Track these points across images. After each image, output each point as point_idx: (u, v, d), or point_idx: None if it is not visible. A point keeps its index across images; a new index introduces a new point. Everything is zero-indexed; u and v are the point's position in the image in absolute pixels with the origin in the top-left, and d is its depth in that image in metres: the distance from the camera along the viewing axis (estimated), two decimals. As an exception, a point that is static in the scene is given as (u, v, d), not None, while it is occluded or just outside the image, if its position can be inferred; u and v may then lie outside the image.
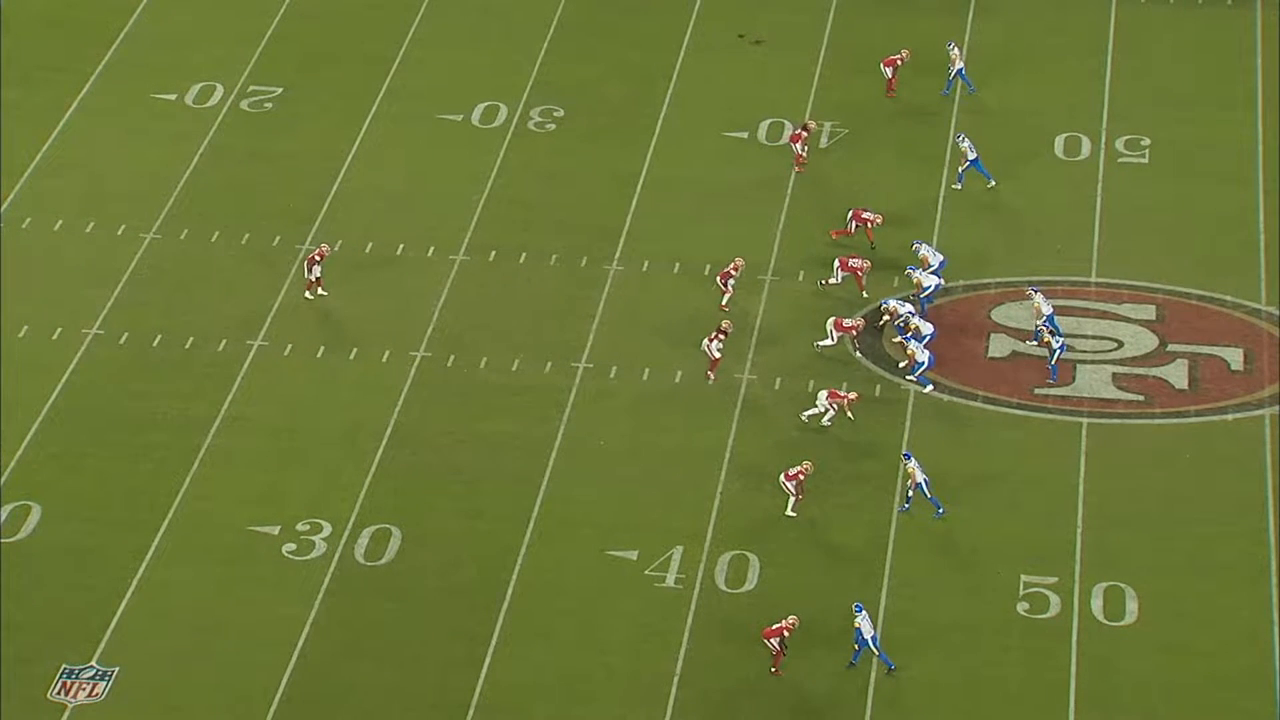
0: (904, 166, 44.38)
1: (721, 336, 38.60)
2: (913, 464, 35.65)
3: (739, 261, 40.58)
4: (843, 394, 37.72)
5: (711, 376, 38.75)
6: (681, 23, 49.47)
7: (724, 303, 40.33)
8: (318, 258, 40.86)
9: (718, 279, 40.58)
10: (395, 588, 35.13)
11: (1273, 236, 41.91)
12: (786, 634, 33.07)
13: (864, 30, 48.76)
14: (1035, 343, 39.13)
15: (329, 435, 38.16)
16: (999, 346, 39.76)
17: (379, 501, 36.73)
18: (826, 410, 37.60)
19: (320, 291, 40.93)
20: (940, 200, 43.35)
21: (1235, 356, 39.12)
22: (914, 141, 45.08)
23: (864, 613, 33.26)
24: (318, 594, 34.92)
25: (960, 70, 45.89)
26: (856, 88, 46.46)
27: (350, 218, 43.51)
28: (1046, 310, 39.08)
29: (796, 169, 43.96)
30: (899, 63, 45.75)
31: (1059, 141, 44.99)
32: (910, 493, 35.82)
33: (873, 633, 33.16)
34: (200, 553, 35.77)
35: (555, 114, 46.60)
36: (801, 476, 35.72)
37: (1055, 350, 38.46)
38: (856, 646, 33.27)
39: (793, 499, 35.72)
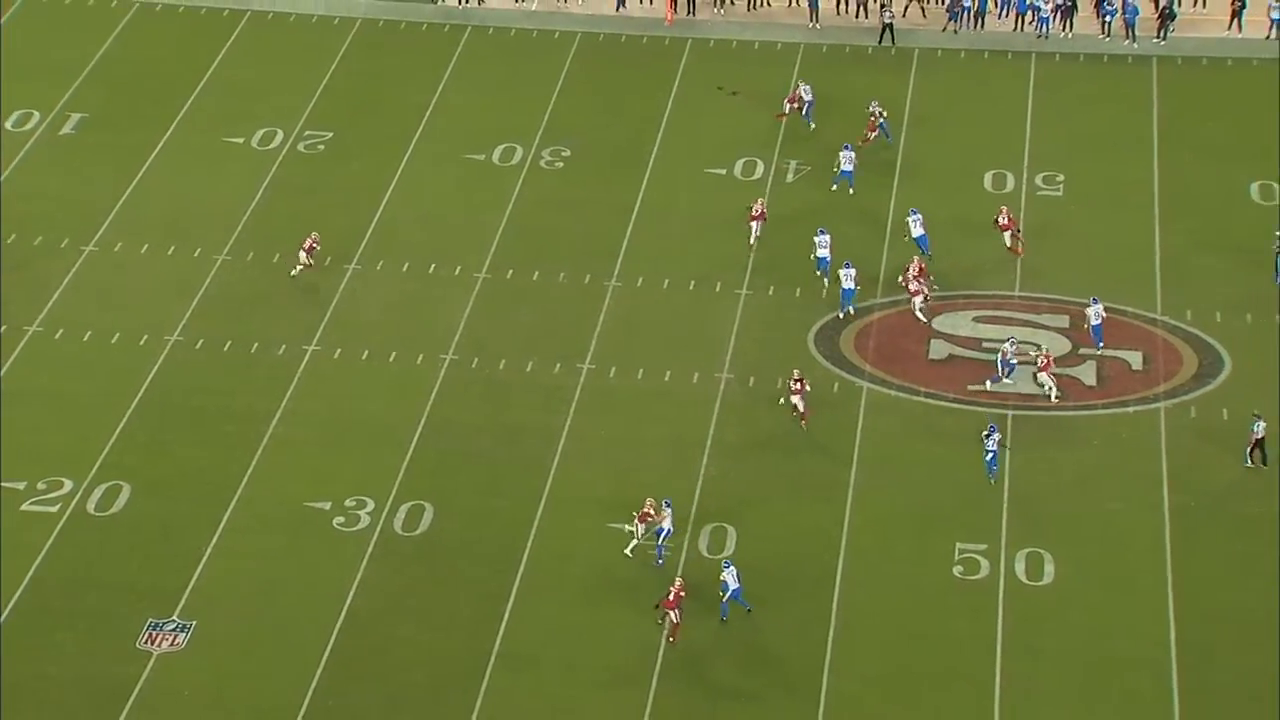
0: (862, 196, 44.22)
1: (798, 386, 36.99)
2: (730, 572, 33.30)
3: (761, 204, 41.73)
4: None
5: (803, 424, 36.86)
6: (669, 76, 49.37)
7: (751, 241, 41.19)
8: (313, 246, 41.10)
9: (749, 221, 41.49)
10: (428, 555, 35.01)
11: (1166, 257, 41.76)
12: (681, 598, 32.44)
13: (824, 83, 48.63)
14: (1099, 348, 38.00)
15: (372, 426, 38.03)
16: (938, 350, 39.58)
17: (414, 482, 36.61)
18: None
19: (297, 269, 41.11)
20: (889, 223, 43.19)
21: (1135, 358, 38.92)
22: (865, 177, 44.89)
23: (731, 568, 32.94)
24: (363, 560, 34.80)
25: (882, 124, 45.27)
26: (818, 132, 46.19)
27: (390, 241, 43.37)
28: (1096, 321, 38.27)
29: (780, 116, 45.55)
30: (794, 105, 45.89)
31: (988, 177, 44.84)
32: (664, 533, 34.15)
33: (736, 586, 32.77)
34: (264, 525, 35.64)
35: (563, 154, 46.48)
36: (650, 514, 34.34)
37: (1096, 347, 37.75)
38: (735, 594, 32.80)
39: (639, 530, 34.24)
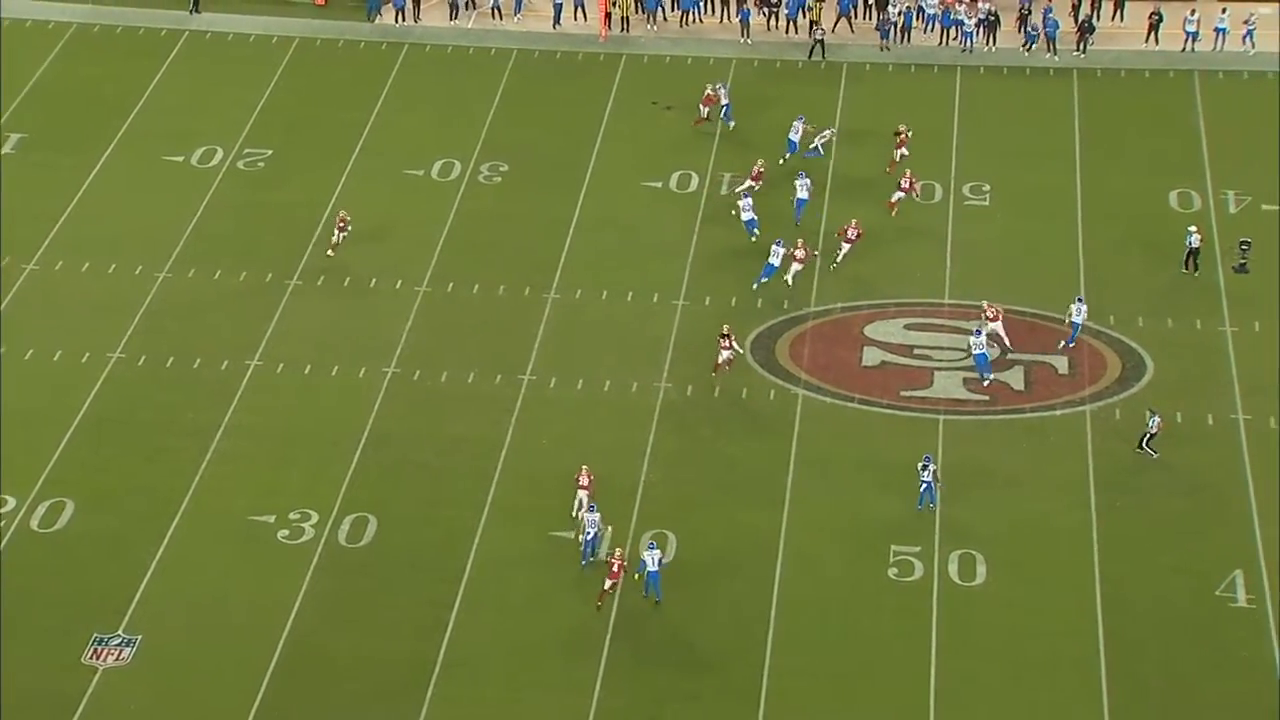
0: (791, 210, 44.57)
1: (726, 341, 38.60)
2: (651, 554, 34.00)
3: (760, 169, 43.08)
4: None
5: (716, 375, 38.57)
6: (605, 92, 49.58)
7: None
8: (341, 225, 42.11)
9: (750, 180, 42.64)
10: (373, 566, 34.94)
11: (1089, 264, 42.35)
12: (625, 568, 33.01)
13: (756, 97, 49.00)
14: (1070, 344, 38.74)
15: (315, 439, 37.93)
16: (871, 357, 39.97)
17: (358, 493, 36.54)
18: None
19: (329, 253, 42.11)
20: (821, 236, 43.54)
21: (1061, 363, 39.44)
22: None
23: (654, 550, 33.33)
24: (307, 572, 34.69)
25: (799, 136, 45.73)
26: (751, 144, 46.42)
27: (330, 256, 43.28)
28: (1077, 319, 39.11)
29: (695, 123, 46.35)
30: (709, 108, 46.57)
31: (916, 188, 45.31)
32: (589, 538, 34.50)
33: (654, 569, 33.15)
34: (209, 539, 35.46)
35: (501, 169, 46.56)
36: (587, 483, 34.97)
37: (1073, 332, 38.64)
38: (639, 576, 33.29)
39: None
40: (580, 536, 34.68)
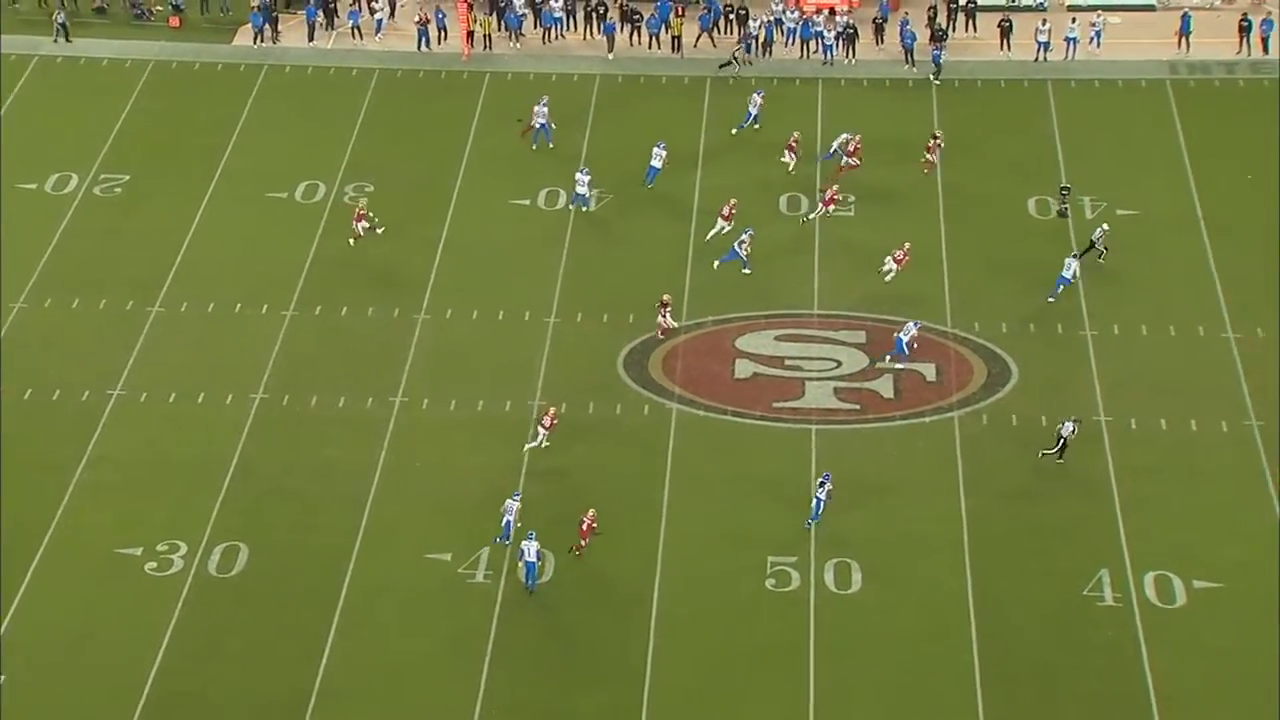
0: (662, 225, 44.81)
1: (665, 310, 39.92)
2: (515, 503, 35.02)
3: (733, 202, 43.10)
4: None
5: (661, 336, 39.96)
6: (469, 110, 49.42)
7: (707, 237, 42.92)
8: (360, 214, 42.69)
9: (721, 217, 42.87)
10: (244, 596, 34.37)
11: (953, 272, 43.00)
12: (594, 529, 34.13)
13: (619, 113, 49.19)
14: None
15: (182, 468, 37.23)
16: (743, 369, 40.25)
17: (228, 523, 35.93)
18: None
19: (377, 230, 42.67)
20: (690, 250, 43.81)
21: (929, 371, 40.05)
22: (669, 203, 45.53)
23: (534, 540, 33.70)
24: (177, 605, 34.01)
25: (754, 114, 46.57)
26: (619, 161, 46.53)
27: (194, 283, 42.57)
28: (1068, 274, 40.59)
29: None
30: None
31: (782, 200, 45.78)
32: (510, 524, 35.14)
33: (533, 560, 33.56)
34: (73, 575, 34.61)
35: (367, 189, 46.16)
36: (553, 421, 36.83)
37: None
38: (523, 566, 33.72)
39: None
40: (507, 515, 34.98)
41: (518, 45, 52.63)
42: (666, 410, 38.98)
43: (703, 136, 47.98)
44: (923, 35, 51.32)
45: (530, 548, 34.12)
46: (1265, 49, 50.22)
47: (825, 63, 51.54)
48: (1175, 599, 33.79)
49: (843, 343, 40.80)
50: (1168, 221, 43.80)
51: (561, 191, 45.98)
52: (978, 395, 39.16)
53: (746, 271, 42.25)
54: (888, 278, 41.96)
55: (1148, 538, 35.13)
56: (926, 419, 38.62)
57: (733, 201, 43.52)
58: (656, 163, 45.90)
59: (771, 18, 52.21)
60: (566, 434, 38.18)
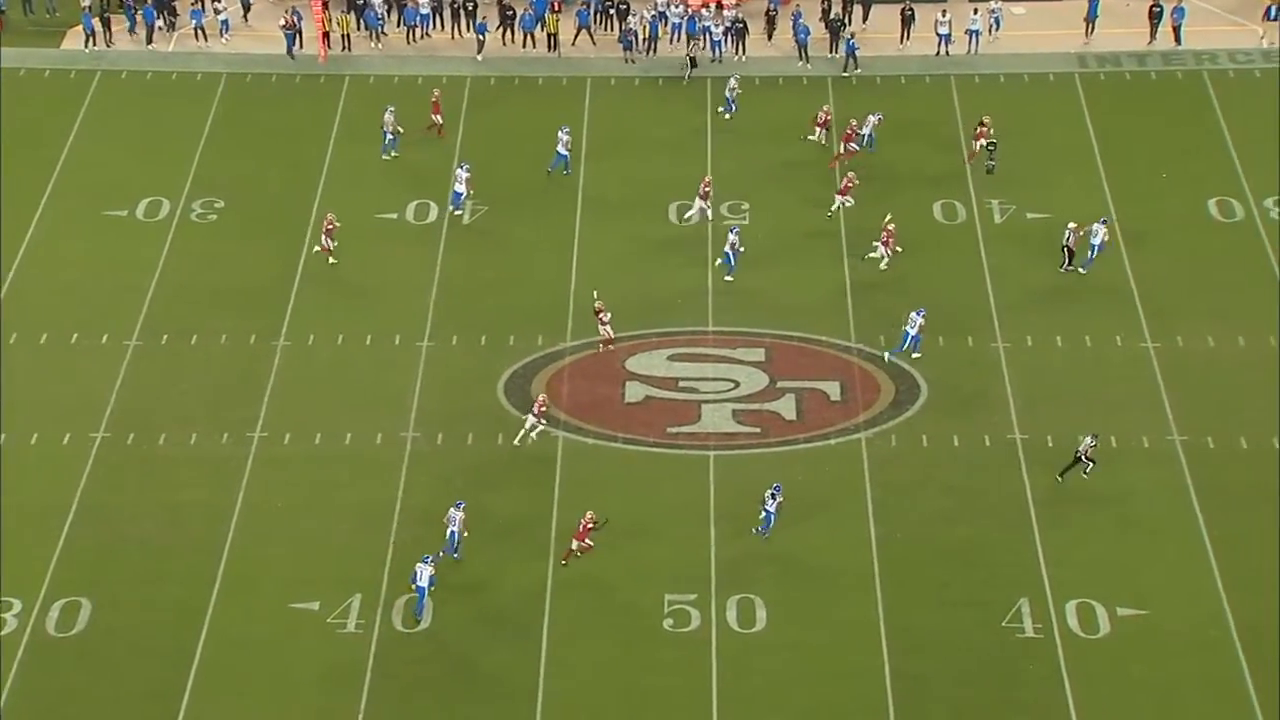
0: (543, 236, 44.87)
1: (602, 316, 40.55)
2: (458, 513, 35.61)
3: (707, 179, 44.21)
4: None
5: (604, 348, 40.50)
6: (329, 117, 49.14)
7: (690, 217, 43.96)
8: (329, 228, 42.78)
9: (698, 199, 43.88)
10: (88, 657, 33.78)
11: (857, 284, 43.46)
12: (589, 529, 34.82)
13: (493, 117, 49.19)
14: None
15: (16, 516, 36.52)
16: (634, 393, 40.39)
17: (68, 575, 35.31)
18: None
19: (330, 259, 42.89)
20: (574, 263, 43.89)
21: (833, 389, 40.48)
22: (549, 213, 45.57)
23: (429, 564, 34.03)
24: (12, 667, 33.31)
25: (565, 156, 46.59)
26: (493, 169, 46.47)
27: (24, 312, 41.85)
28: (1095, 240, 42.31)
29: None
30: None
31: (672, 208, 46.05)
32: (455, 537, 35.64)
33: (424, 585, 33.79)
34: (-105, 639, 33.80)
35: (216, 205, 45.72)
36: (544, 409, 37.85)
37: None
38: (414, 590, 34.02)
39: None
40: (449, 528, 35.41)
41: (379, 46, 52.47)
42: (552, 438, 38.99)
43: (584, 141, 48.15)
44: (816, 29, 51.95)
45: (423, 571, 34.09)
46: (1178, 39, 51.52)
47: (713, 59, 52.01)
48: (1099, 628, 34.43)
49: (741, 361, 41.10)
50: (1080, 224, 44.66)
51: (433, 204, 45.88)
52: (885, 414, 39.66)
53: (729, 279, 42.67)
54: (882, 264, 42.60)
55: (1068, 563, 35.77)
56: (832, 441, 39.02)
57: (707, 178, 44.20)
58: (563, 149, 46.08)
59: (654, 12, 52.58)
60: (444, 468, 38.05)
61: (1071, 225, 42.97)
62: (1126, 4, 53.39)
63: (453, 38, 52.84)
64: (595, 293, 41.08)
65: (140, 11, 52.03)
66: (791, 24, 51.93)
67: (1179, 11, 51.65)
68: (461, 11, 52.86)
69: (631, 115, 49.39)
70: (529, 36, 52.21)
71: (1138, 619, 34.51)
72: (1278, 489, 37.04)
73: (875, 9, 52.97)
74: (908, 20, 52.07)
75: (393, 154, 47.21)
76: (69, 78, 50.24)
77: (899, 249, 43.08)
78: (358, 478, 37.91)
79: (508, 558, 36.01)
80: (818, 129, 47.39)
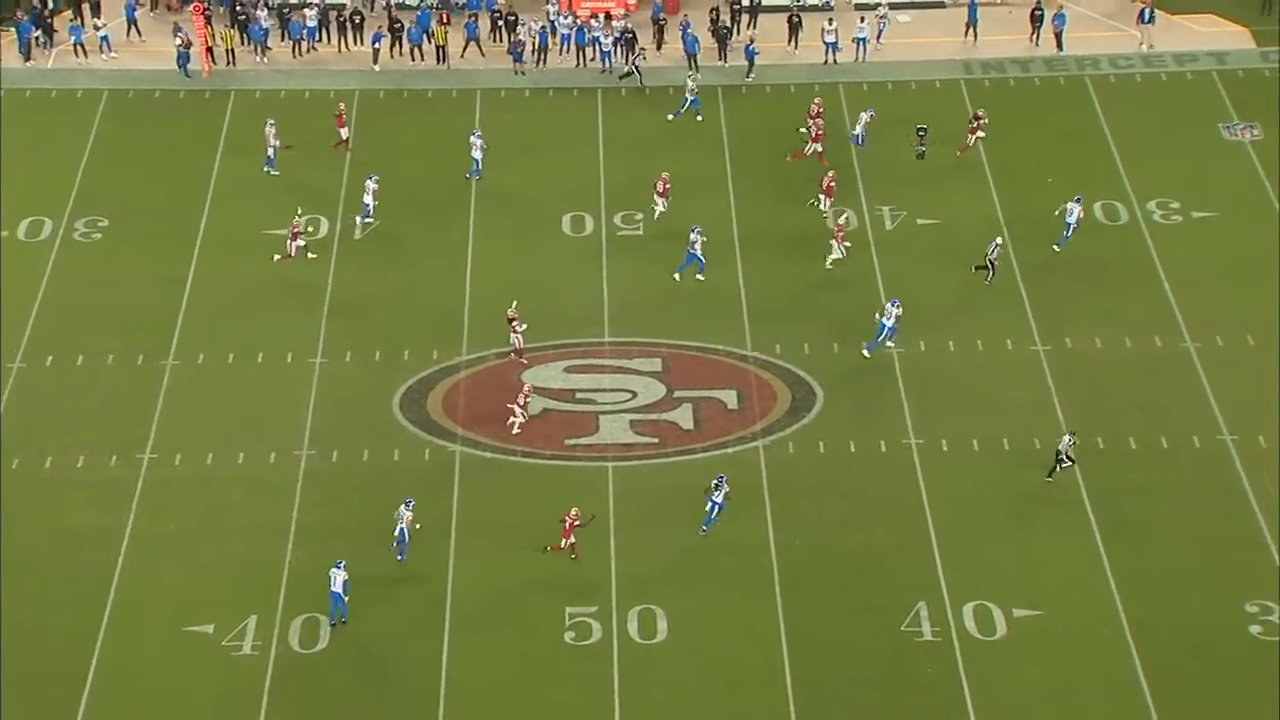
0: (434, 250, 44.66)
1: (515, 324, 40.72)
2: (407, 511, 35.77)
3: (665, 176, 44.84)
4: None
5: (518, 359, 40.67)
6: (215, 133, 48.61)
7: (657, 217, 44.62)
8: (296, 230, 42.90)
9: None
10: (-22, 686, 33.11)
11: (751, 292, 43.62)
12: (575, 525, 35.19)
13: (391, 130, 48.92)
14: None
15: (-101, 546, 35.75)
16: (532, 405, 40.24)
17: (-45, 605, 34.60)
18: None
19: (309, 255, 43.04)
20: (468, 277, 43.75)
21: (730, 398, 40.64)
22: (441, 228, 45.34)
23: (342, 569, 33.96)
24: (-101, 702, 32.60)
25: (479, 160, 46.57)
26: (389, 182, 45.96)
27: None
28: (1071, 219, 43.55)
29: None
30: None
31: (566, 220, 46.05)
32: (404, 534, 35.86)
33: (339, 590, 33.81)
34: None
35: (100, 224, 45.04)
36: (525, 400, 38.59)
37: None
38: (332, 598, 33.97)
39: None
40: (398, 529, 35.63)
41: (264, 60, 52.00)
42: (449, 454, 38.80)
43: (476, 153, 47.96)
44: (705, 38, 52.19)
45: (337, 576, 33.97)
46: (1060, 45, 52.36)
47: (604, 70, 52.08)
48: (995, 630, 34.83)
49: (637, 372, 41.15)
50: (970, 229, 45.23)
51: (323, 219, 45.51)
52: (782, 422, 39.89)
53: (700, 277, 43.00)
54: (831, 260, 43.18)
55: (965, 566, 36.17)
56: (730, 450, 39.16)
57: (665, 175, 44.55)
58: (477, 154, 45.97)
59: (543, 23, 52.56)
60: (340, 486, 37.75)
61: (997, 241, 43.35)
62: (1009, 11, 54.16)
63: (339, 51, 52.48)
64: (515, 302, 40.88)
65: (16, 28, 51.15)
66: (680, 34, 52.13)
67: (1060, 18, 52.49)
68: (348, 25, 52.53)
69: (523, 127, 49.29)
70: (416, 49, 51.97)
71: (1033, 619, 34.95)
72: (1166, 487, 37.68)
73: (762, 17, 53.29)
74: (795, 27, 52.46)
75: (273, 172, 46.72)
76: (-56, 95, 49.33)
77: (848, 245, 43.81)
78: (251, 498, 37.49)
79: (404, 578, 35.73)
80: (810, 121, 47.95)
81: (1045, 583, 35.75)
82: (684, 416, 40.06)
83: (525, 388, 38.80)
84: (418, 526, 35.91)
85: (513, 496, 37.83)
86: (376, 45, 51.29)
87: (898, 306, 40.83)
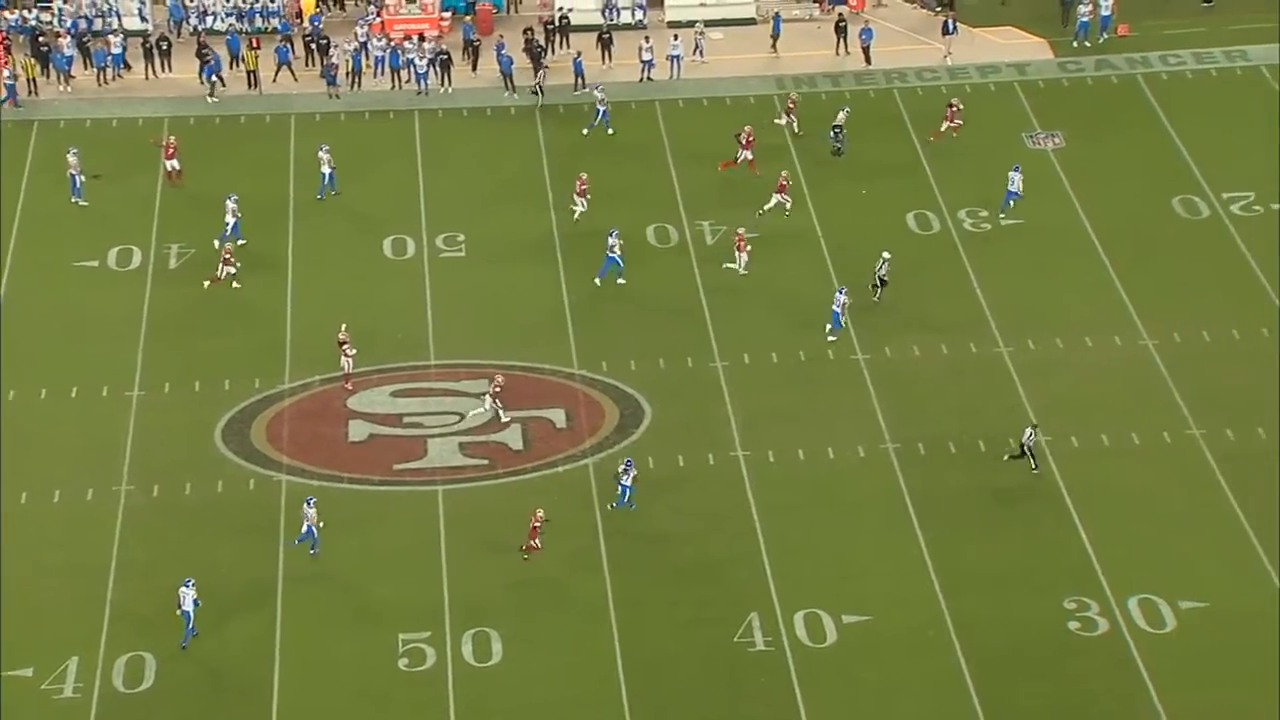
0: (252, 277, 44.11)
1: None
2: (309, 509, 36.11)
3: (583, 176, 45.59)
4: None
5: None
6: (18, 165, 47.52)
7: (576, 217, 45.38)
8: (227, 256, 42.79)
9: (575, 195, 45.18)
10: None
11: (576, 310, 43.79)
12: (538, 529, 35.69)
13: (206, 157, 48.17)
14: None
15: None
16: (358, 431, 39.98)
17: None
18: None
19: (234, 285, 42.85)
20: (289, 303, 43.29)
21: (559, 416, 40.72)
22: (257, 254, 44.81)
23: (190, 587, 33.81)
24: None
25: (329, 174, 46.52)
26: (196, 213, 45.68)
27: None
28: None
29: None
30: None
31: (387, 244, 45.79)
32: (313, 532, 36.03)
33: (189, 609, 33.69)
34: None
35: (-98, 259, 43.78)
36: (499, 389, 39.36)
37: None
38: (180, 614, 33.85)
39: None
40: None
41: (68, 89, 50.93)
42: (275, 483, 38.34)
43: (291, 180, 47.48)
44: (519, 58, 52.31)
45: (187, 595, 33.70)
46: (868, 59, 53.48)
47: (420, 92, 51.92)
48: (826, 637, 35.37)
49: (465, 393, 41.05)
50: (786, 241, 45.93)
51: (135, 249, 44.70)
52: (611, 439, 40.09)
53: (621, 281, 43.30)
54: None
55: (794, 575, 36.64)
56: (560, 469, 39.24)
57: (583, 175, 44.94)
58: (326, 169, 45.62)
59: (356, 45, 52.26)
60: (161, 522, 37.06)
61: (886, 255, 43.92)
62: (817, 27, 55.19)
63: (147, 78, 51.62)
64: (344, 325, 40.54)
65: None
66: (495, 54, 52.19)
67: (866, 33, 53.61)
68: (155, 51, 51.68)
69: (341, 151, 48.82)
70: (217, 77, 51.09)
71: (862, 625, 35.55)
72: (985, 489, 38.63)
73: (574, 36, 53.58)
74: (606, 44, 52.87)
75: (81, 202, 45.82)
76: None
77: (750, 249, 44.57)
78: (69, 535, 36.66)
79: (232, 611, 35.21)
80: (786, 115, 49.07)
81: (873, 588, 36.39)
82: (513, 437, 40.06)
83: (498, 379, 39.46)
84: (321, 525, 35.83)
85: (341, 524, 37.45)
86: (213, 78, 50.48)
87: (845, 294, 42.19)
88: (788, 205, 46.31)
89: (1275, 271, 44.51)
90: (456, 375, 41.60)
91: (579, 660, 34.76)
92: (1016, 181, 46.28)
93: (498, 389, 39.64)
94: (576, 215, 45.72)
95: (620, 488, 37.34)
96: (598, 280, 43.82)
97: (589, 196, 45.74)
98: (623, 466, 37.46)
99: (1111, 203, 47.41)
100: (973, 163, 49.13)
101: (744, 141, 48.00)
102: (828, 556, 37.20)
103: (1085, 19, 53.97)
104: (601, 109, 49.65)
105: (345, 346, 40.50)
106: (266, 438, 39.49)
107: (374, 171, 48.36)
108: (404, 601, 35.76)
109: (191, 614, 34.07)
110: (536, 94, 51.23)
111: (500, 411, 39.63)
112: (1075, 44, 53.99)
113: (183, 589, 34.03)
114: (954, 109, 49.20)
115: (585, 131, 49.57)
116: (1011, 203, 46.39)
